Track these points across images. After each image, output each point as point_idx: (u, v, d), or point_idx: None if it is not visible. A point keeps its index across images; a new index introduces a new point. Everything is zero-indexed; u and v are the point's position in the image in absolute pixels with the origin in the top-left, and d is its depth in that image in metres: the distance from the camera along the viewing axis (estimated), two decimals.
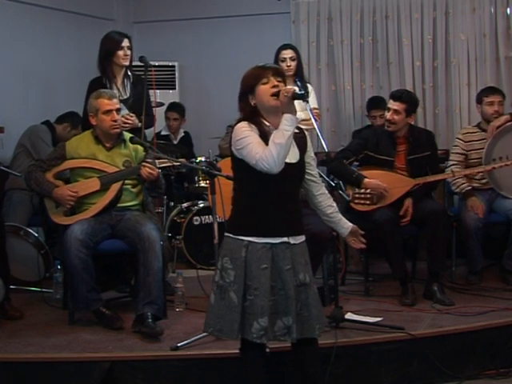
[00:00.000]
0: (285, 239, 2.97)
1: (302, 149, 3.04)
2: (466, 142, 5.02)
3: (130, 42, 4.90)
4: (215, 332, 2.99)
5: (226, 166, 4.13)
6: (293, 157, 2.97)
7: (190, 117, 6.64)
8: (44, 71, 6.08)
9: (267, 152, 2.82)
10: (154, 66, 5.09)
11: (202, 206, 5.67)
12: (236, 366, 3.44)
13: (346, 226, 3.20)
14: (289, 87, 2.92)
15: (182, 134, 6.59)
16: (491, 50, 6.15)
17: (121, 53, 4.81)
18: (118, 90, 4.88)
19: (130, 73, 4.87)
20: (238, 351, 3.12)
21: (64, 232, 4.08)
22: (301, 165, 3.03)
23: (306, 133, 3.15)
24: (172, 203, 5.87)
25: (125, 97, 4.83)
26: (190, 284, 4.56)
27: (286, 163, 2.88)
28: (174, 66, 6.86)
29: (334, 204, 3.19)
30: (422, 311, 4.21)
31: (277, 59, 5.22)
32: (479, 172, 4.86)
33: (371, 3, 6.42)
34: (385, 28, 6.42)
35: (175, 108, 6.48)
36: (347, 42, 6.48)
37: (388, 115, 4.56)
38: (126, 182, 4.23)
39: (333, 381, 3.44)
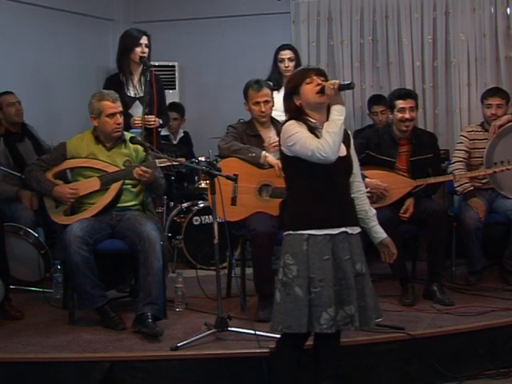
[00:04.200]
0: (343, 229, 3.02)
1: (347, 144, 3.12)
2: (470, 139, 5.01)
3: (149, 39, 4.90)
4: (284, 329, 3.00)
5: (226, 166, 4.15)
6: (341, 150, 3.04)
7: (189, 117, 6.63)
8: (44, 71, 6.07)
9: (323, 141, 2.91)
10: (154, 66, 5.09)
11: (201, 205, 5.68)
12: (236, 366, 3.46)
13: (376, 235, 3.21)
14: (333, 81, 3.01)
15: (182, 134, 6.59)
16: (491, 49, 6.14)
17: (138, 49, 4.83)
18: (135, 87, 4.88)
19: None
20: (240, 351, 3.11)
21: (64, 231, 4.07)
22: (349, 158, 3.11)
23: (349, 131, 3.20)
24: (172, 203, 5.87)
25: (141, 94, 4.84)
26: (190, 284, 4.57)
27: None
28: (174, 66, 6.85)
29: (372, 211, 3.20)
30: (422, 311, 4.21)
31: (275, 60, 5.23)
32: (480, 175, 4.87)
33: (371, 3, 6.41)
34: (385, 28, 6.41)
35: (175, 108, 6.47)
36: (347, 42, 6.47)
37: (407, 115, 4.52)
38: (126, 181, 4.22)
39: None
